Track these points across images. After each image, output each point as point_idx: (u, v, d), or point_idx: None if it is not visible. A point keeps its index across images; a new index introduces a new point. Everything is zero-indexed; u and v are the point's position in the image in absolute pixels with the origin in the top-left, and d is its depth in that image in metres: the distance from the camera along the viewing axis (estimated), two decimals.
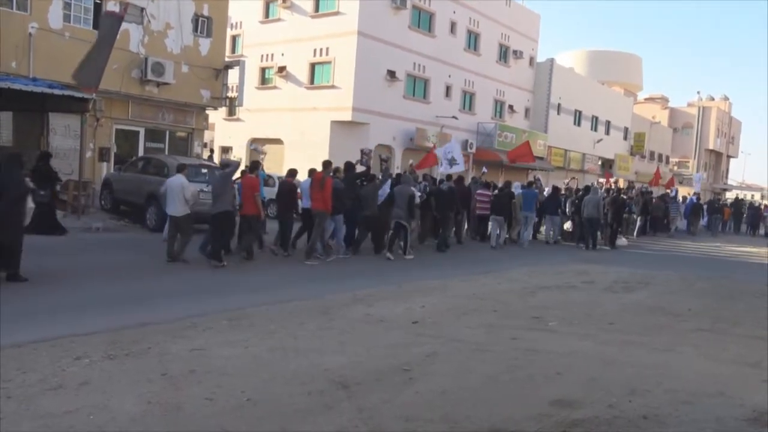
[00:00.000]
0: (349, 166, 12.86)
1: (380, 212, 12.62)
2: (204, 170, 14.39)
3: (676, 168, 57.33)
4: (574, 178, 25.67)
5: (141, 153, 18.23)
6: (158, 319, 6.32)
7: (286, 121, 27.84)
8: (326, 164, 11.78)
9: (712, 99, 61.72)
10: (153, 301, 7.42)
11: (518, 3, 36.00)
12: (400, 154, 28.76)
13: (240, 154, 29.92)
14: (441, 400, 4.39)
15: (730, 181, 71.76)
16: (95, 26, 16.79)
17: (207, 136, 24.78)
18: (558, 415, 4.19)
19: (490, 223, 16.05)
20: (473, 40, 32.65)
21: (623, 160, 46.42)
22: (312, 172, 11.82)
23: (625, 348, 6.10)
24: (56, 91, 13.50)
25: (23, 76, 14.64)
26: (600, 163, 43.99)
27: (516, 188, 17.09)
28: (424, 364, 5.23)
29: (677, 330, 7.03)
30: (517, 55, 35.77)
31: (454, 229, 15.61)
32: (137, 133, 18.99)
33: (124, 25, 15.31)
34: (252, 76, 27.97)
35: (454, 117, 30.69)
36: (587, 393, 4.65)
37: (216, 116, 27.18)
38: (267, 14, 29.69)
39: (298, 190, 12.21)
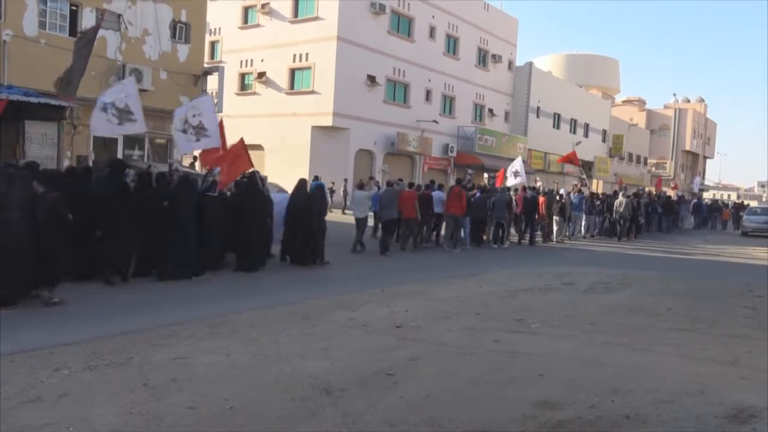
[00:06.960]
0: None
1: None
2: None
3: (654, 169, 58.05)
4: (582, 180, 27.03)
5: None
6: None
7: (266, 126, 27.74)
8: (460, 180, 16.78)
9: (688, 101, 62.65)
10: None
11: (496, 8, 36.28)
12: (381, 158, 28.80)
13: None
14: (425, 404, 4.39)
15: (707, 182, 72.85)
16: (71, 33, 16.59)
17: None
18: (541, 417, 4.21)
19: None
20: (452, 45, 32.84)
21: (602, 162, 46.93)
22: (431, 185, 16.21)
23: (606, 348, 6.15)
24: (32, 99, 13.27)
25: None
26: (580, 165, 44.40)
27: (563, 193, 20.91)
28: (407, 368, 5.23)
29: (657, 330, 7.10)
30: (496, 59, 36.03)
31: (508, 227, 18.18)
32: (115, 140, 18.75)
33: (101, 32, 15.11)
34: (231, 82, 27.86)
35: (434, 121, 30.81)
36: (570, 394, 4.68)
37: None
38: (246, 20, 29.61)
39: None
